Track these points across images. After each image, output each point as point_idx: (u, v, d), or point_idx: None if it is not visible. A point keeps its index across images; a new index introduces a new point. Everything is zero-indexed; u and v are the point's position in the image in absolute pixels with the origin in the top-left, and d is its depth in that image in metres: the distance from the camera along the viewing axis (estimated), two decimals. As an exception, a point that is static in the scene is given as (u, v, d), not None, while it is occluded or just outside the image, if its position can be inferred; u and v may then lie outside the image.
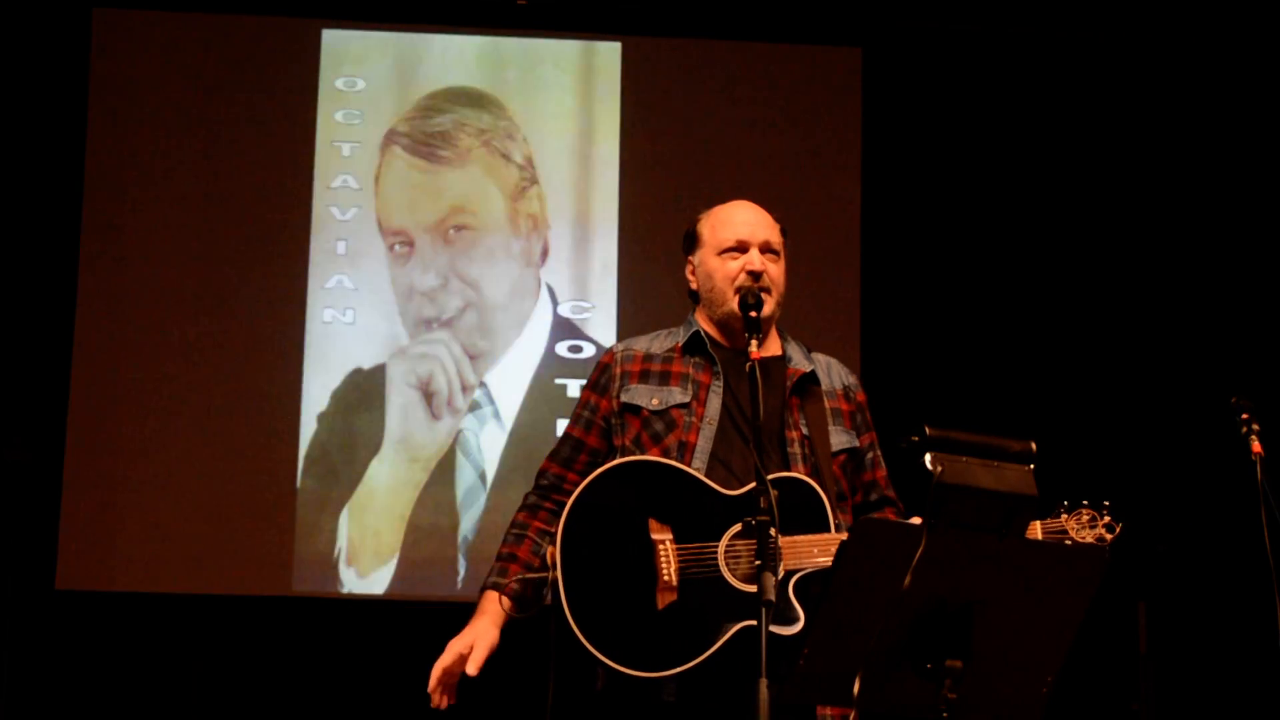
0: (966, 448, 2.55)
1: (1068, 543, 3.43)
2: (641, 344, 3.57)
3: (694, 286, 3.55)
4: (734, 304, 3.42)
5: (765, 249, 3.46)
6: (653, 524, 3.25)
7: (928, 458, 2.52)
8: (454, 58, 6.44)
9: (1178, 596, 5.85)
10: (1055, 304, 6.36)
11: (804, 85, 6.46)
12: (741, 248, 3.46)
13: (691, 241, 3.56)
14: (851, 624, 2.55)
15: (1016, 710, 2.65)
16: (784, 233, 3.56)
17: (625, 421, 3.45)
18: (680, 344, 3.52)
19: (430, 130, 6.37)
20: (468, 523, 6.15)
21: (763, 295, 3.39)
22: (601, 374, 3.53)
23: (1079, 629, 2.64)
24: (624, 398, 3.46)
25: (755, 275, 3.42)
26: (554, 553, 3.22)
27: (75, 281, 6.12)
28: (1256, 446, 3.76)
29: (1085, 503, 3.49)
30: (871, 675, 2.55)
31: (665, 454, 3.37)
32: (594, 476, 3.29)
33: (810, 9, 6.47)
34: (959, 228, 6.38)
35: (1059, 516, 3.47)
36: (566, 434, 3.53)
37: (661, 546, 3.23)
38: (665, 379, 3.47)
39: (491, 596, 3.37)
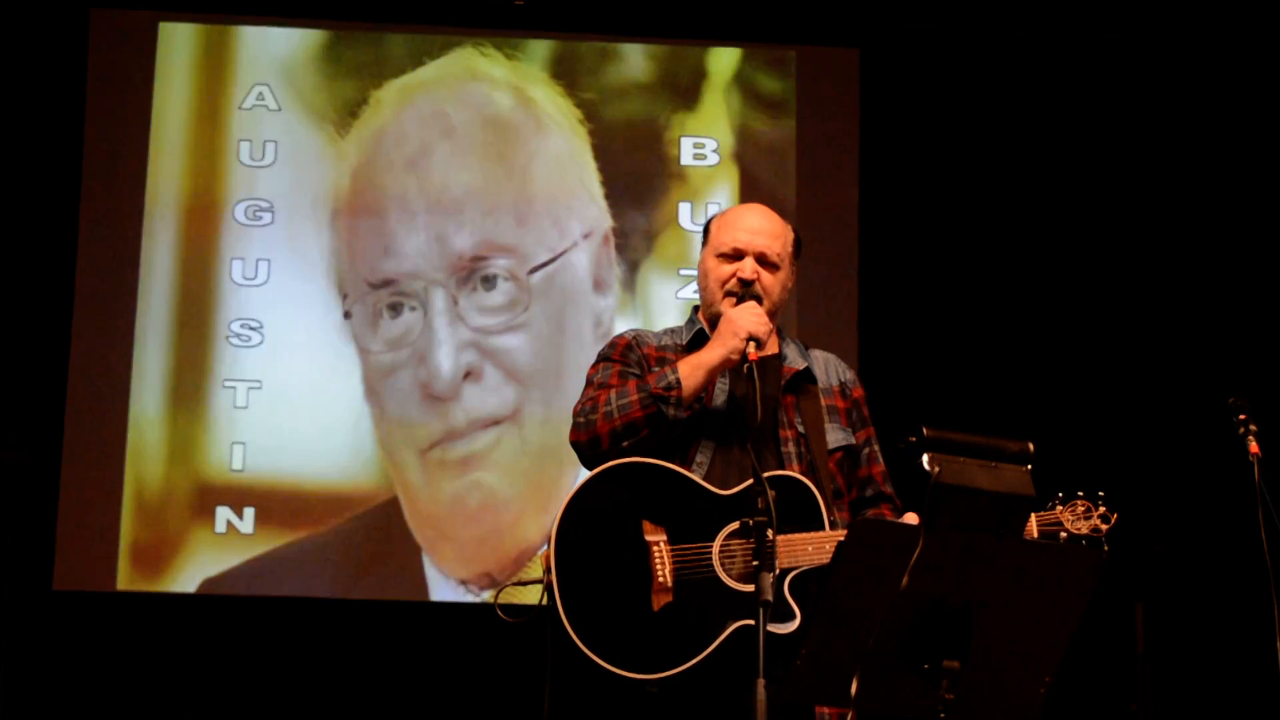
0: (964, 448, 2.55)
1: (1063, 535, 3.43)
2: (650, 338, 3.58)
3: (698, 283, 3.55)
4: (721, 307, 3.44)
5: (762, 260, 3.46)
6: (646, 526, 3.25)
7: (925, 458, 2.52)
8: (452, 58, 6.42)
9: (1175, 597, 5.84)
10: (1053, 304, 6.36)
11: (802, 86, 6.45)
12: (737, 255, 3.47)
13: (704, 237, 3.58)
14: (850, 624, 2.55)
15: (1014, 711, 2.65)
16: (797, 241, 3.56)
17: None
18: (684, 341, 3.53)
19: (428, 129, 6.36)
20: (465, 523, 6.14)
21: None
22: (627, 350, 3.52)
23: (1076, 629, 2.64)
24: None
25: (746, 283, 3.43)
26: (549, 556, 3.21)
27: (72, 281, 6.11)
28: (1254, 447, 3.76)
29: (1080, 494, 3.49)
30: (869, 675, 2.55)
31: (673, 446, 3.38)
32: (587, 480, 3.30)
33: (808, 10, 6.46)
34: (957, 228, 6.38)
35: (1054, 509, 3.47)
36: (615, 372, 3.49)
37: (656, 548, 3.23)
38: None
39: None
